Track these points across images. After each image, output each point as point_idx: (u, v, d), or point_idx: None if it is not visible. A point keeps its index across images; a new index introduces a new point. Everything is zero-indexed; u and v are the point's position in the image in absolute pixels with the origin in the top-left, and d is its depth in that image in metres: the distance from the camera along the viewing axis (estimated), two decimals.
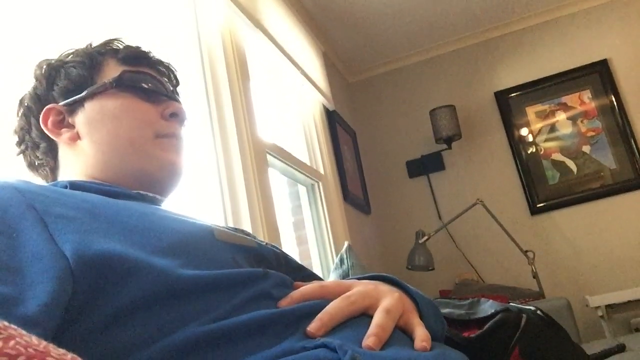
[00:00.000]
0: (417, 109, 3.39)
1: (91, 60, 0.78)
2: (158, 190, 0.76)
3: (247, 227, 1.58)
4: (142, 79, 0.78)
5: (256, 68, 2.10)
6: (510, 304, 0.87)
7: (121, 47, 0.82)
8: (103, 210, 0.57)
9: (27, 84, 0.81)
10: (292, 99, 2.54)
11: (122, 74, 0.76)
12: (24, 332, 0.30)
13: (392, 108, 3.50)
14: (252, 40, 2.00)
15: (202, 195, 1.60)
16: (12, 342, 0.28)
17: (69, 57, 0.80)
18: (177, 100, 0.83)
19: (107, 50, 0.80)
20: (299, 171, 2.24)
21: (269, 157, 1.88)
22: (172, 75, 0.87)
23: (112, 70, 0.78)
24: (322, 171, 2.52)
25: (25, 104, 0.80)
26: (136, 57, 0.81)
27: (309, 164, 2.45)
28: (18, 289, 0.43)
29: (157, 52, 0.86)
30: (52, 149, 0.78)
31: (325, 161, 2.56)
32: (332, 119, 2.84)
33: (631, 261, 2.89)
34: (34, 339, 0.30)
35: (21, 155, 0.82)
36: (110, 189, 0.68)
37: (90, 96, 0.76)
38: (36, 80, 0.80)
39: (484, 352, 0.78)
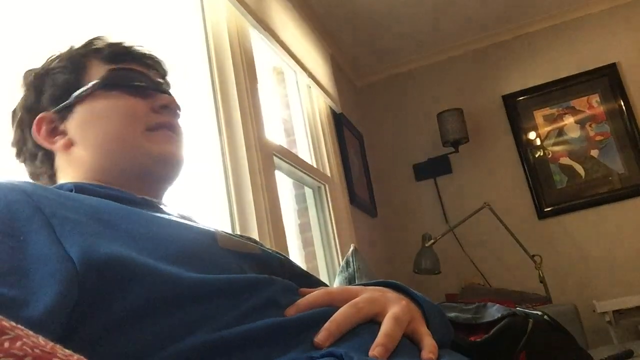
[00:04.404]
0: (424, 112, 3.38)
1: (75, 64, 0.77)
2: (156, 184, 0.76)
3: (253, 228, 1.58)
4: (128, 75, 0.77)
5: (264, 70, 2.11)
6: (517, 308, 0.86)
7: (103, 45, 0.80)
8: (109, 216, 0.57)
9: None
10: (299, 101, 2.54)
11: (107, 73, 0.76)
12: (31, 332, 0.31)
13: (399, 111, 3.49)
14: (260, 42, 2.01)
15: (209, 196, 1.60)
16: (19, 343, 0.28)
17: (53, 63, 0.79)
18: (167, 92, 0.81)
19: (89, 51, 0.79)
20: (306, 173, 2.24)
21: (275, 159, 1.88)
22: (158, 66, 0.85)
23: (97, 71, 0.77)
24: (328, 174, 2.52)
25: (18, 116, 0.79)
26: (120, 54, 0.79)
27: (315, 166, 2.45)
28: (24, 291, 0.43)
29: (144, 45, 0.83)
30: (48, 158, 0.77)
31: (332, 164, 2.56)
32: (339, 121, 2.84)
33: (639, 266, 2.87)
34: (41, 340, 0.30)
35: (23, 164, 0.81)
36: (115, 194, 0.67)
37: (79, 100, 0.75)
38: (24, 91, 0.79)
39: (490, 356, 0.77)
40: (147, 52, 0.83)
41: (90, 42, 0.81)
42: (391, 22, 3.05)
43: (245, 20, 1.84)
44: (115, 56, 0.79)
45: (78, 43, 0.81)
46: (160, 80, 0.84)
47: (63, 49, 0.81)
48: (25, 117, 0.78)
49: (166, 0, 1.63)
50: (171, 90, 0.85)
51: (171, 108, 0.79)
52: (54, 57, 0.80)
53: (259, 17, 1.87)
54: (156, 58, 0.85)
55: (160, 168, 0.75)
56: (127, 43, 0.82)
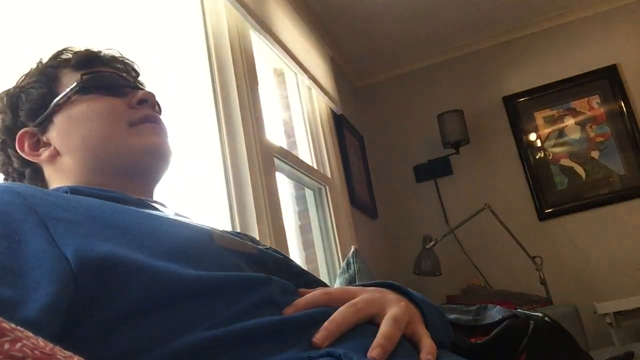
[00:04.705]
0: (424, 114, 3.38)
1: (47, 77, 0.78)
2: (146, 178, 0.76)
3: (253, 230, 1.58)
4: (101, 77, 0.78)
5: (264, 71, 2.11)
6: (518, 310, 0.86)
7: (71, 54, 0.81)
8: (104, 215, 0.57)
9: None
10: (300, 103, 2.54)
11: (81, 78, 0.76)
12: (30, 334, 0.30)
13: (399, 112, 3.49)
14: (260, 44, 2.01)
15: (209, 197, 1.60)
16: (18, 345, 0.28)
17: (25, 80, 0.80)
18: (142, 88, 0.82)
19: (59, 62, 0.80)
20: (306, 175, 2.24)
21: (276, 161, 1.88)
22: (129, 67, 0.85)
23: (69, 79, 0.77)
24: (329, 175, 2.52)
25: None
26: (89, 60, 0.80)
27: (316, 167, 2.45)
28: (20, 291, 0.43)
29: (112, 49, 0.84)
30: (37, 173, 0.78)
31: (333, 165, 2.56)
32: (339, 123, 2.84)
33: None
34: (41, 342, 0.30)
35: None
36: (110, 194, 0.67)
37: (57, 109, 0.76)
38: (1, 113, 0.80)
39: (491, 358, 0.77)
40: (116, 55, 0.84)
41: (58, 54, 0.82)
42: (391, 23, 3.05)
43: (246, 22, 1.84)
44: (86, 62, 0.80)
45: (45, 57, 0.82)
46: (133, 80, 0.84)
47: (32, 65, 0.82)
48: (6, 138, 0.79)
49: (166, 1, 1.63)
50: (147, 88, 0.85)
51: (149, 101, 0.80)
52: (23, 75, 0.81)
53: (259, 18, 1.87)
54: (126, 60, 0.85)
55: (149, 160, 0.76)
56: (95, 49, 0.83)
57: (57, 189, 0.69)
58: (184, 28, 1.70)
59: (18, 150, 0.77)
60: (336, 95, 2.80)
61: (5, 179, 0.81)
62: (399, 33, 3.16)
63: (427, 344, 0.58)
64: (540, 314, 0.86)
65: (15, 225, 0.50)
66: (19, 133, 0.77)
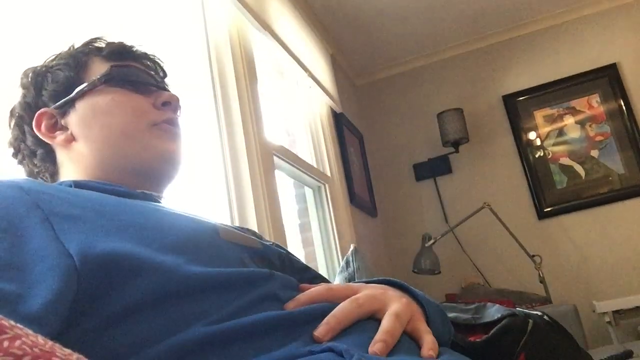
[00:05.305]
0: (424, 112, 3.39)
1: (76, 61, 0.78)
2: (157, 181, 0.76)
3: (253, 228, 1.58)
4: (130, 72, 0.78)
5: (264, 70, 2.10)
6: (517, 308, 0.86)
7: (104, 44, 0.81)
8: (108, 209, 0.57)
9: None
10: (299, 101, 2.54)
11: (110, 69, 0.76)
12: (30, 331, 0.30)
13: (399, 111, 3.49)
14: (260, 42, 2.01)
15: (209, 196, 1.60)
16: (18, 342, 0.28)
17: (54, 61, 0.80)
18: (168, 90, 0.83)
19: (90, 50, 0.80)
20: (306, 173, 2.24)
21: (275, 159, 1.88)
22: (158, 67, 0.86)
23: (98, 68, 0.77)
24: (328, 173, 2.52)
25: (17, 114, 0.80)
26: (121, 52, 0.80)
27: (315, 166, 2.45)
28: (22, 286, 0.43)
29: (144, 46, 0.84)
30: (49, 155, 0.78)
31: (332, 163, 2.56)
32: (339, 121, 2.84)
33: (639, 267, 2.87)
34: (40, 339, 0.30)
35: (20, 165, 0.82)
36: (114, 188, 0.68)
37: (81, 95, 0.75)
38: (24, 89, 0.80)
39: (490, 357, 0.77)
40: (148, 53, 0.85)
41: (91, 41, 0.81)
42: (391, 22, 3.05)
43: (246, 20, 1.84)
44: (117, 54, 0.80)
45: (78, 42, 0.82)
46: (160, 80, 0.85)
47: (63, 48, 0.82)
48: (25, 115, 0.78)
49: (167, 0, 1.63)
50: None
51: (173, 105, 0.80)
52: (52, 56, 0.81)
53: (259, 17, 1.87)
54: (157, 59, 0.86)
55: (162, 165, 0.76)
56: (128, 43, 0.83)
57: (61, 183, 0.69)
58: (184, 26, 1.70)
59: (34, 129, 0.76)
60: (336, 94, 2.80)
61: (15, 155, 0.81)
62: (399, 31, 3.16)
63: (429, 340, 0.58)
64: (539, 313, 0.86)
65: (19, 220, 0.49)
66: (39, 112, 0.76)
